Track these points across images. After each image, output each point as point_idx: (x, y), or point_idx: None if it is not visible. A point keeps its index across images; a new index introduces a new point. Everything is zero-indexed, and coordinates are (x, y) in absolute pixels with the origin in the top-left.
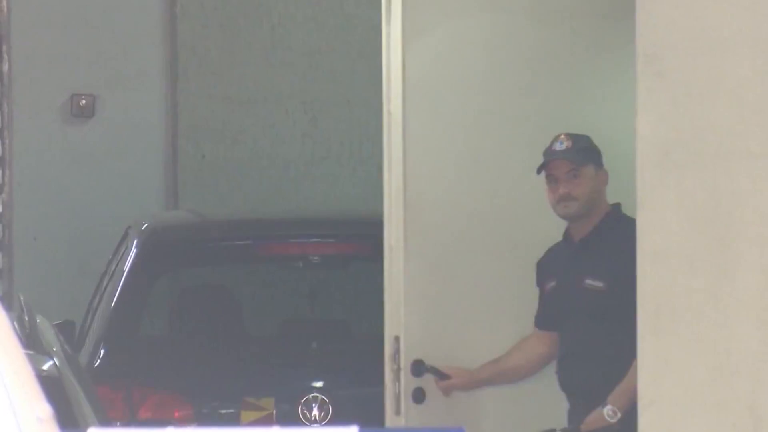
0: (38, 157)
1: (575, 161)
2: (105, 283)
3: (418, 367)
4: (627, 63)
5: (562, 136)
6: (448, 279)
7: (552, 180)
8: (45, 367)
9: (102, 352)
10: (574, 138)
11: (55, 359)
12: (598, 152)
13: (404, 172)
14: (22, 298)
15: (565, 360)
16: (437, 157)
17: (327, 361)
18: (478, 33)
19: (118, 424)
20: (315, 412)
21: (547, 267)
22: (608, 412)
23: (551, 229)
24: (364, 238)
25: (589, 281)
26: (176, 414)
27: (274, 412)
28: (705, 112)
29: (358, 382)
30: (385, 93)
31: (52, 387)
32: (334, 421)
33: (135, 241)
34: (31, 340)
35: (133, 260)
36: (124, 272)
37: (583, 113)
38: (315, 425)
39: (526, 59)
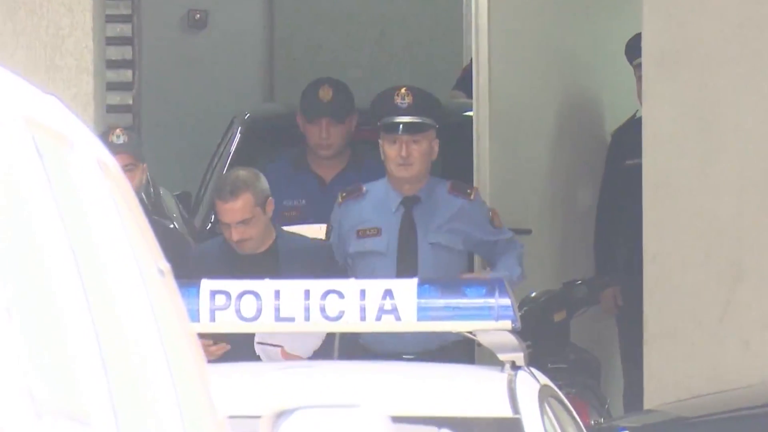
0: (161, 60)
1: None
2: (215, 162)
3: None
4: None
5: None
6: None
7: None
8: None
9: (213, 217)
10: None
11: (174, 223)
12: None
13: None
14: (148, 173)
15: None
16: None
17: None
18: None
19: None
20: None
21: None
22: None
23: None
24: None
25: None
26: None
27: None
28: (693, 26)
29: None
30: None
31: (171, 245)
32: None
33: (239, 128)
34: (155, 207)
35: (237, 143)
36: (230, 153)
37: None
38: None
39: None
